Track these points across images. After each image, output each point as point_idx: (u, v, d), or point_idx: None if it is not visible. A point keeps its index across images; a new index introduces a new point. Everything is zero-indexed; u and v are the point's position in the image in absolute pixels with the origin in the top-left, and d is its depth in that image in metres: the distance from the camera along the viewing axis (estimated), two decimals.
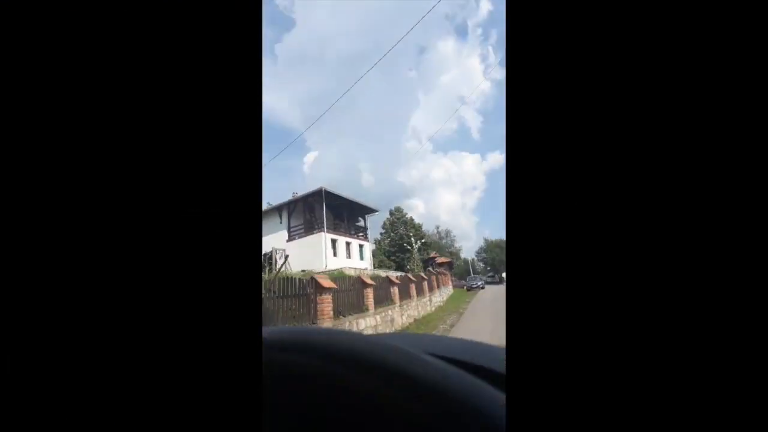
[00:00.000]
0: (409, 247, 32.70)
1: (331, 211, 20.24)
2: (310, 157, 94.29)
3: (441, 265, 29.27)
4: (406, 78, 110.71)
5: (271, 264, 17.96)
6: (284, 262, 17.78)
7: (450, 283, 28.47)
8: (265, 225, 21.41)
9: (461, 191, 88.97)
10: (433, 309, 12.78)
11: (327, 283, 6.53)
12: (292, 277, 6.68)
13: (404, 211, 37.53)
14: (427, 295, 12.27)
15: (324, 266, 17.38)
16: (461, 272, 42.76)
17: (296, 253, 18.53)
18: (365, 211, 23.15)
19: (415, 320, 11.11)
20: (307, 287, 6.44)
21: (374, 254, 30.96)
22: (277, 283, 5.94)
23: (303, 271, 12.83)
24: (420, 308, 12.62)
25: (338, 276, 8.53)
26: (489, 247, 54.62)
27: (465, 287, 27.89)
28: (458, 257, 53.46)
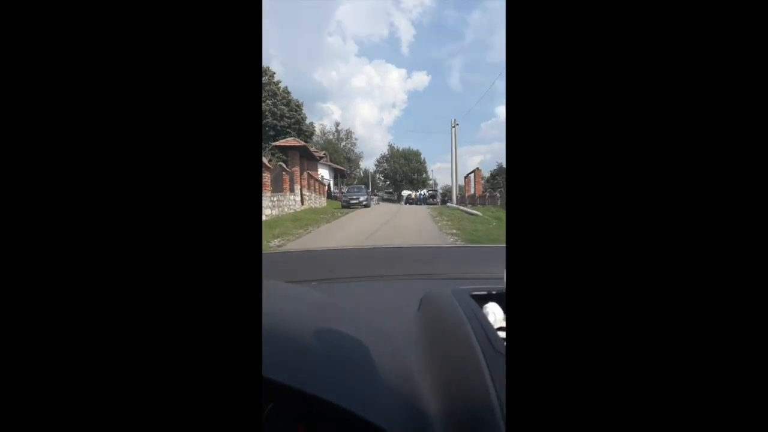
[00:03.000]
0: (272, 133, 21.21)
1: None
2: None
3: (285, 150, 15.78)
4: None
5: None
6: None
7: (318, 190, 18.47)
8: None
9: (380, 106, 79.35)
10: None
11: None
12: None
13: (276, 78, 24.64)
14: None
15: None
16: (359, 184, 33.11)
17: None
18: None
19: None
20: None
21: None
22: None
23: None
24: None
25: None
26: (393, 155, 43.71)
27: (342, 200, 18.41)
28: (357, 166, 43.84)
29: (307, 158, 16.15)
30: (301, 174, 14.45)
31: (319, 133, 39.13)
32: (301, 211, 12.65)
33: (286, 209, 11.55)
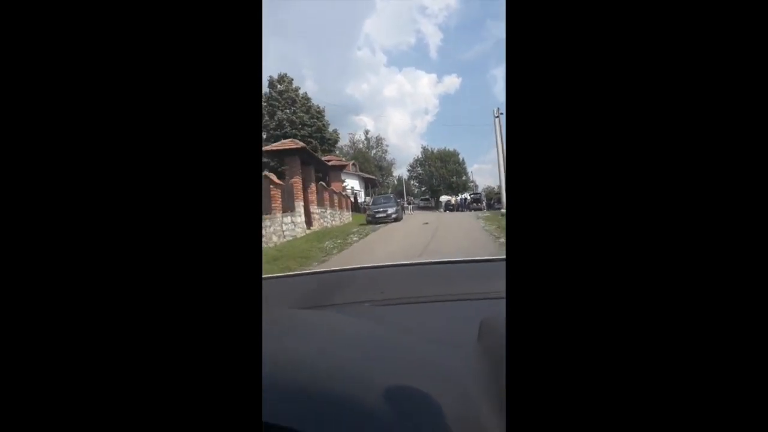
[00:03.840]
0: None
1: None
2: None
3: (281, 156, 11.44)
4: None
5: None
6: None
7: (339, 204, 14.98)
8: None
9: (412, 113, 76.61)
10: None
11: None
12: None
13: (295, 84, 22.31)
14: None
15: None
16: (387, 194, 29.48)
17: None
18: None
19: None
20: None
21: None
22: None
23: None
24: None
25: None
26: (427, 158, 38.90)
27: (367, 215, 14.85)
28: (389, 173, 40.33)
29: (315, 164, 12.59)
30: (306, 186, 11.01)
31: (350, 143, 36.67)
32: (302, 237, 9.16)
33: (274, 238, 8.09)
